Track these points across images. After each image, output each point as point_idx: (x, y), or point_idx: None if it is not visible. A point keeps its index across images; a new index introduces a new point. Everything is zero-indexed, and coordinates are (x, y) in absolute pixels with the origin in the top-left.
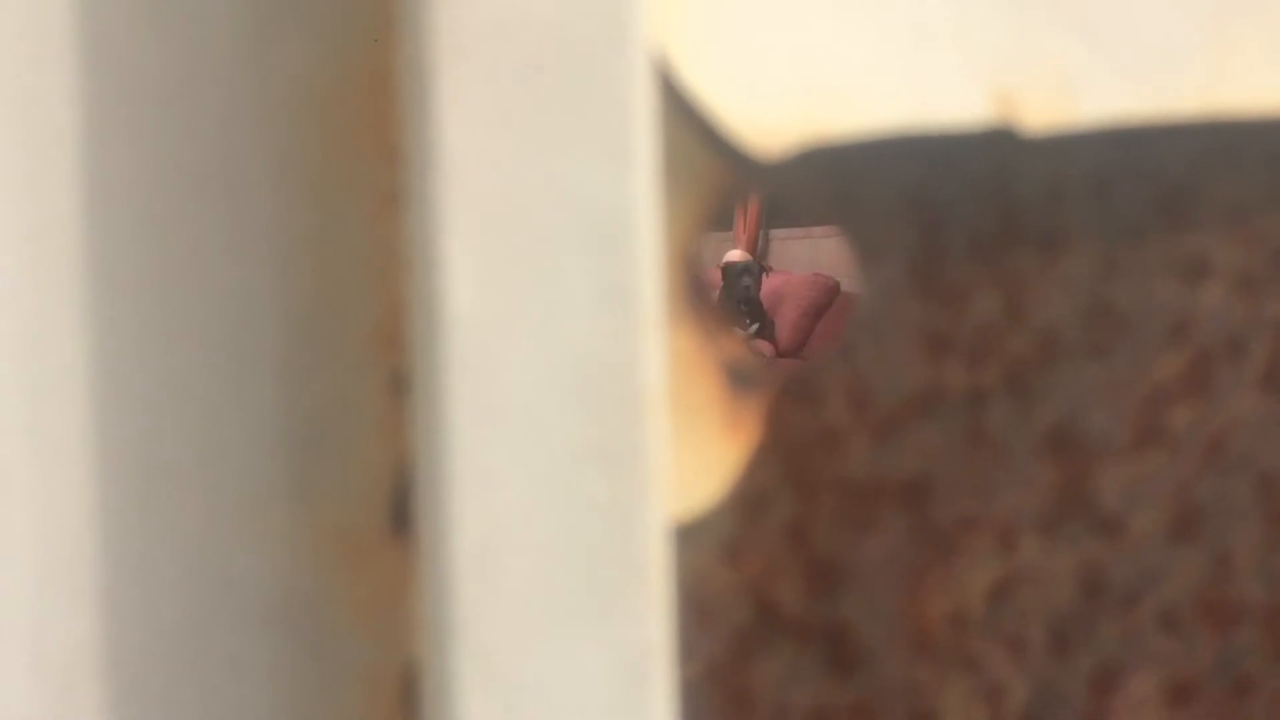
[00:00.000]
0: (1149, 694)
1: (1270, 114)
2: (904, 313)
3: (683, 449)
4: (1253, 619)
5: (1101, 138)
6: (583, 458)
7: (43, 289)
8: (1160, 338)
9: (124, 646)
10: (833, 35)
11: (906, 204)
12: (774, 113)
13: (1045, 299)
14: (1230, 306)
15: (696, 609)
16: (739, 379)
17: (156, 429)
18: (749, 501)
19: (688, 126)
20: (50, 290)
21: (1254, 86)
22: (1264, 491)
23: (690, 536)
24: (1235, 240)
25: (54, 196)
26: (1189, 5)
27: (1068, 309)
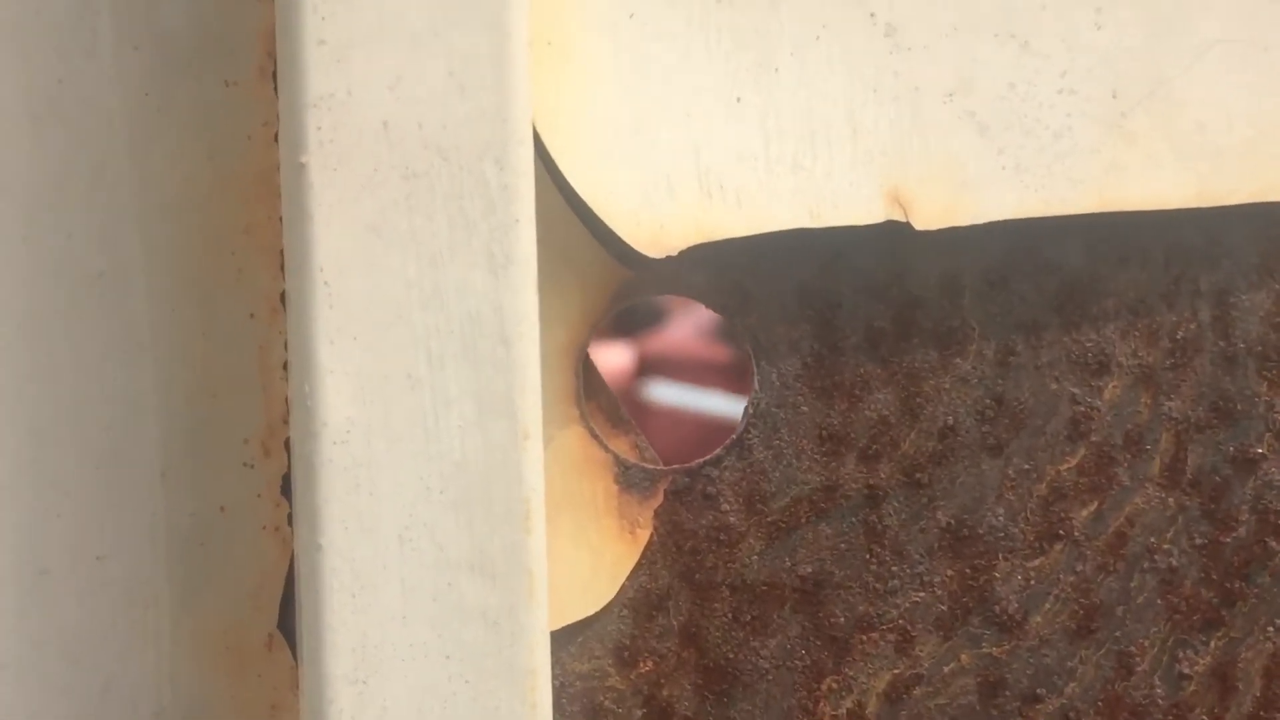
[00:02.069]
0: None
1: (1167, 208)
2: (798, 410)
3: (573, 551)
4: (1155, 719)
5: (997, 233)
6: (461, 567)
7: None
8: (1060, 434)
9: None
10: (724, 134)
11: (800, 300)
12: (664, 211)
13: (941, 396)
14: (1130, 402)
15: (588, 713)
16: (630, 480)
17: (37, 532)
18: (642, 604)
19: (577, 224)
20: None
21: (1151, 181)
22: (1166, 588)
23: (582, 639)
24: (1135, 334)
25: None
26: (1085, 100)
27: (965, 405)
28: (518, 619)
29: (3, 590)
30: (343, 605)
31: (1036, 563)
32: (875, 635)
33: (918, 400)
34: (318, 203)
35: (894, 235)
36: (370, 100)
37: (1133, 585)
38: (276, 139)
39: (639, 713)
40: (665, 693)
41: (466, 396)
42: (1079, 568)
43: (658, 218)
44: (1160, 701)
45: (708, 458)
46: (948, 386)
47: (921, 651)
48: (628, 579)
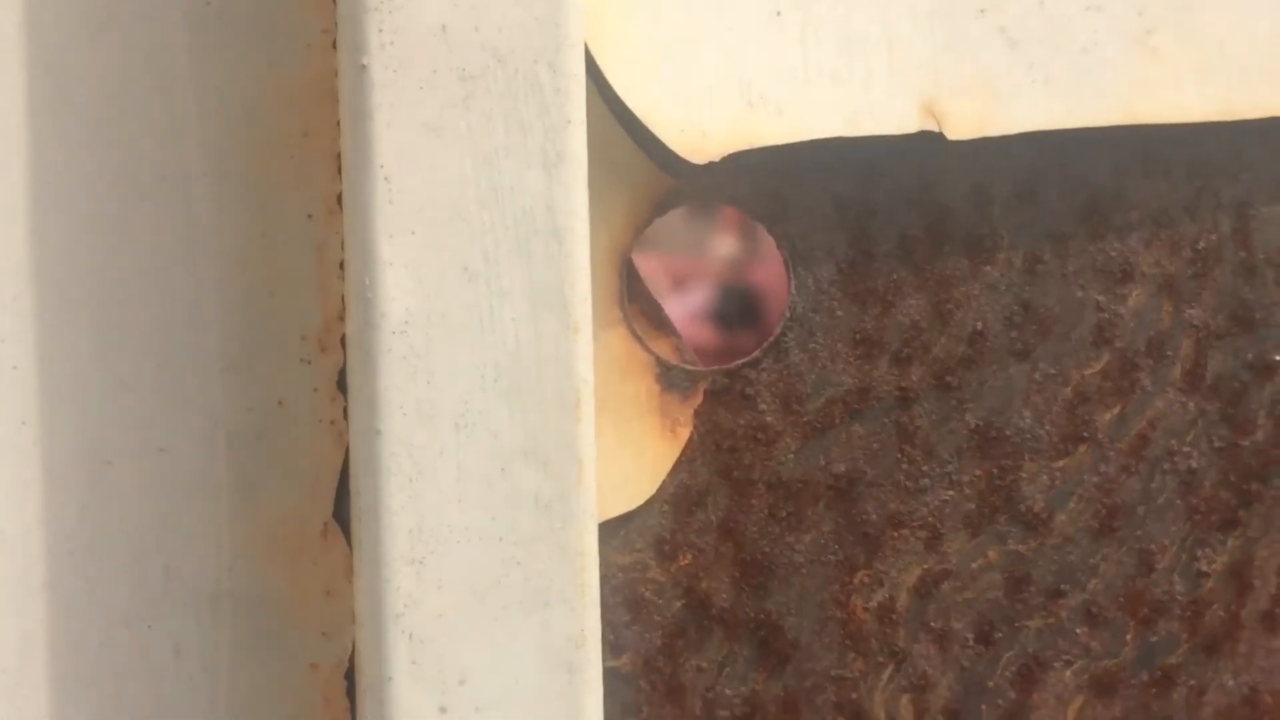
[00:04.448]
0: (1071, 686)
1: (1191, 122)
2: (833, 314)
3: (616, 448)
4: (1173, 614)
5: (1027, 145)
6: (514, 455)
7: (1, 296)
8: (1085, 340)
9: (71, 638)
10: (765, 45)
11: (836, 209)
12: (706, 120)
13: (971, 302)
14: (1152, 309)
15: (629, 604)
16: (671, 380)
17: (103, 425)
18: (681, 499)
19: (622, 132)
20: (6, 289)
21: (1175, 96)
22: (1185, 489)
23: (624, 533)
24: (1157, 244)
25: (3, 197)
26: (1112, 18)
27: (994, 311)
28: (568, 503)
29: (69, 481)
30: (400, 489)
31: (1061, 464)
32: (905, 532)
33: (948, 306)
34: (378, 103)
35: (927, 146)
36: (429, 4)
37: (1153, 486)
38: (335, 46)
39: (678, 604)
40: (703, 585)
41: (520, 290)
42: (1102, 469)
43: (700, 126)
44: (1179, 598)
45: (746, 360)
46: (977, 293)
47: (950, 548)
48: (668, 476)
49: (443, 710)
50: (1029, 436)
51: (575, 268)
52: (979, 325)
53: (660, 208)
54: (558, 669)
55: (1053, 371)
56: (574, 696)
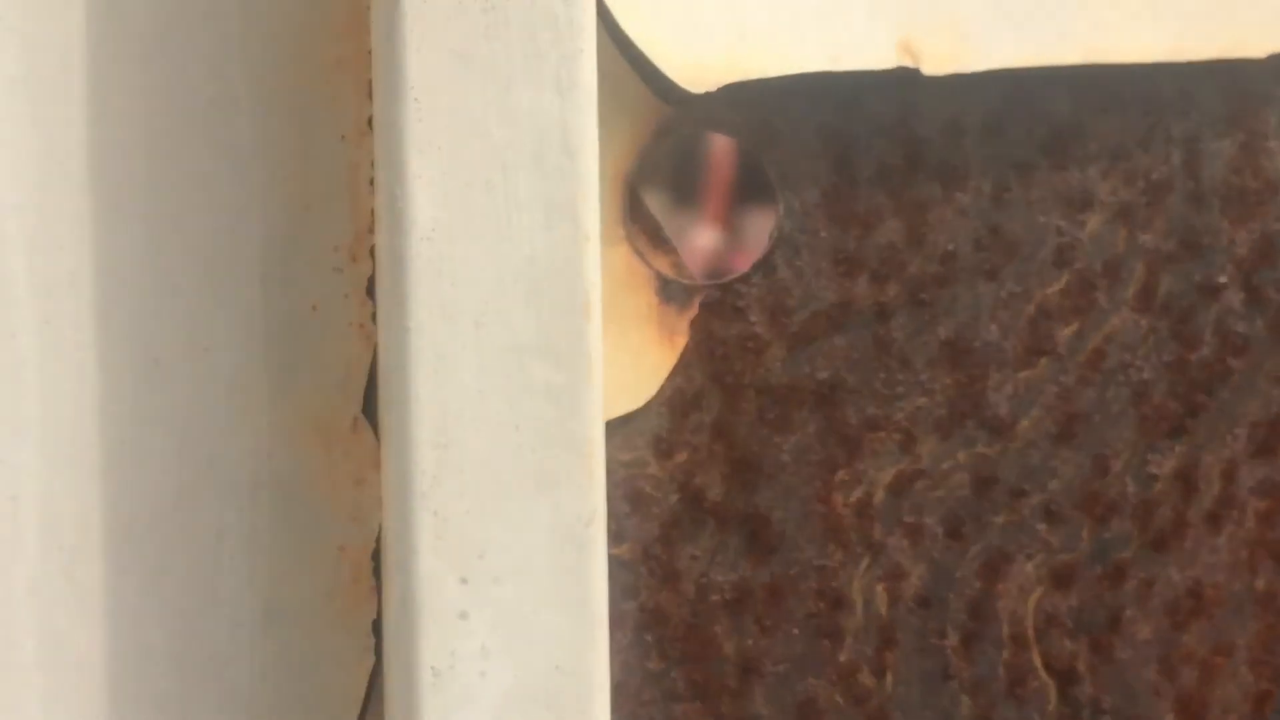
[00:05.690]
0: (1032, 578)
1: (1145, 62)
2: (817, 235)
3: (618, 355)
4: (1125, 513)
5: (995, 81)
6: (529, 350)
7: (54, 201)
8: (1047, 261)
9: (123, 519)
10: None
11: (820, 138)
12: (702, 53)
13: (943, 225)
14: (1109, 234)
15: (629, 497)
16: (671, 293)
17: (153, 326)
18: (677, 402)
19: (625, 64)
20: (60, 202)
21: (1131, 37)
22: (1137, 399)
23: (625, 432)
24: (1114, 175)
25: (64, 117)
26: None
27: (963, 235)
28: (577, 395)
29: (121, 378)
30: (427, 379)
31: (1024, 374)
32: (882, 435)
33: (922, 229)
34: (410, 30)
35: (904, 81)
36: None
37: (1108, 396)
38: None
39: (674, 498)
40: (697, 480)
41: (535, 201)
42: (1061, 379)
43: (698, 58)
44: (1131, 499)
45: (737, 275)
46: (949, 217)
47: (922, 450)
48: (666, 380)
49: (463, 580)
50: (995, 349)
51: (585, 182)
52: (950, 247)
53: (660, 133)
54: (567, 545)
55: (1017, 290)
56: (582, 570)
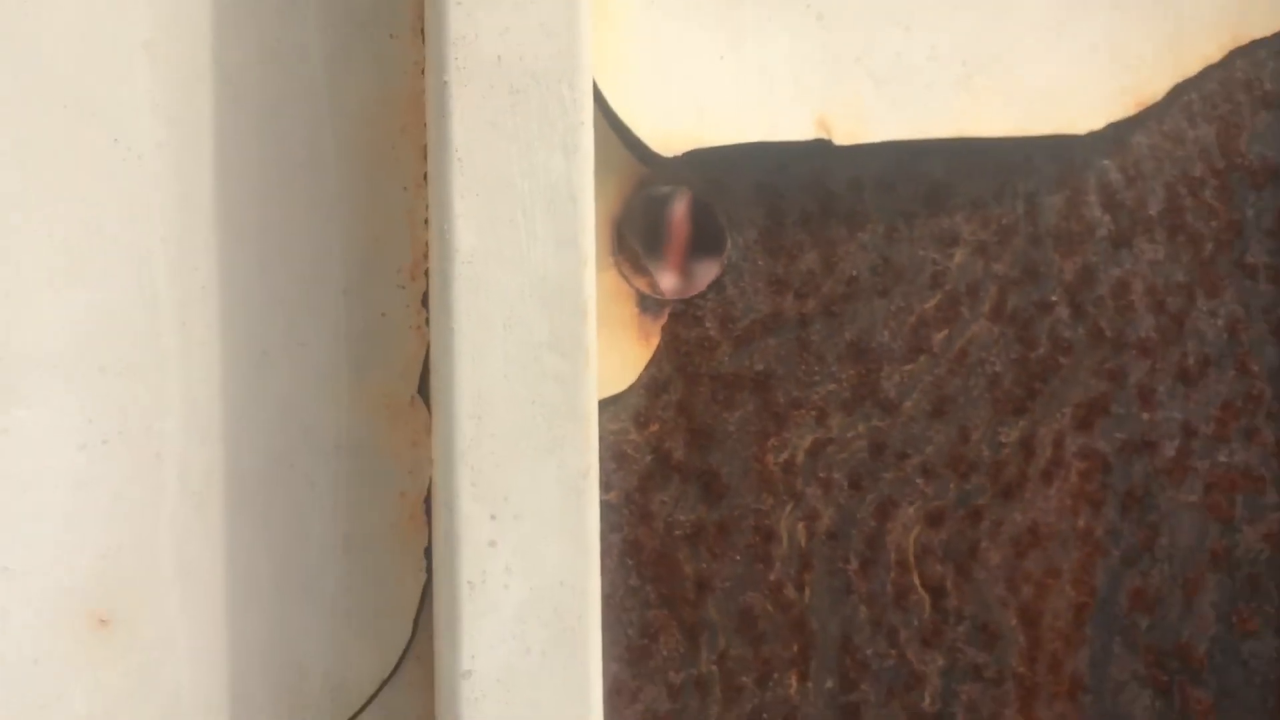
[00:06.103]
0: (913, 519)
1: (998, 136)
2: (756, 263)
3: (608, 351)
4: (982, 471)
5: (887, 150)
6: (544, 346)
7: (190, 233)
8: (925, 284)
9: (239, 471)
10: (713, 77)
11: (757, 191)
12: (671, 127)
13: (849, 257)
14: (971, 264)
15: (615, 456)
16: (647, 305)
17: (263, 327)
18: (651, 386)
19: (614, 134)
20: (194, 234)
21: (988, 118)
22: (991, 386)
23: (612, 408)
24: (975, 220)
25: (197, 171)
26: (944, 65)
27: (864, 263)
28: (578, 379)
29: (238, 366)
30: (466, 367)
31: (908, 367)
32: (803, 412)
33: (833, 259)
34: (455, 106)
35: (820, 150)
36: (489, 41)
37: (970, 384)
38: (423, 72)
39: (649, 458)
40: (666, 445)
41: (548, 235)
42: (935, 371)
43: (667, 130)
44: (986, 460)
45: (697, 293)
46: (853, 251)
47: (832, 423)
48: (643, 370)
49: (492, 517)
50: (886, 349)
51: (585, 221)
52: (854, 273)
53: (639, 186)
54: (570, 492)
55: (903, 305)
56: (580, 511)
